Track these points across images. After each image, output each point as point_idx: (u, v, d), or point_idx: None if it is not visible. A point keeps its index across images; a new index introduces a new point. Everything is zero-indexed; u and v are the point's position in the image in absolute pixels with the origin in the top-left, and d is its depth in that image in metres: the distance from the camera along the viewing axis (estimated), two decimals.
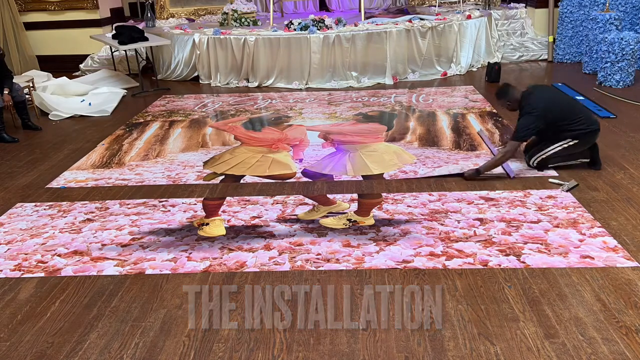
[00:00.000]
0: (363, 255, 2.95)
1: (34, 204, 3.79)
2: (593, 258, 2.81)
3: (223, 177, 4.06)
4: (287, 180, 3.96)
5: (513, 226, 3.18)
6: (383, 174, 4.00)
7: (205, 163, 4.37)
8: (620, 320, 2.33)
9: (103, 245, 3.19)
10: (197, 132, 5.26)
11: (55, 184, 4.11)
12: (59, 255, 3.09)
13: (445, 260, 2.86)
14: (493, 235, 3.09)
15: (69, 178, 4.20)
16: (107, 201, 3.77)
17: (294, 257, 2.95)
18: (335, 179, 3.95)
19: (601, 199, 3.43)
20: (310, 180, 3.96)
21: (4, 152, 4.90)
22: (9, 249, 3.19)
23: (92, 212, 3.62)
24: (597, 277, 2.64)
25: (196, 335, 2.37)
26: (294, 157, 4.39)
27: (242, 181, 3.98)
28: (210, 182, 3.99)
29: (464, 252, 2.93)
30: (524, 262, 2.80)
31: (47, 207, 3.73)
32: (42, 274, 2.91)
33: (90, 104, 6.11)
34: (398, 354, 2.20)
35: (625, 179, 3.71)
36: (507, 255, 2.88)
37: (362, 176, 3.97)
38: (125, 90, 6.80)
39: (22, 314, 2.58)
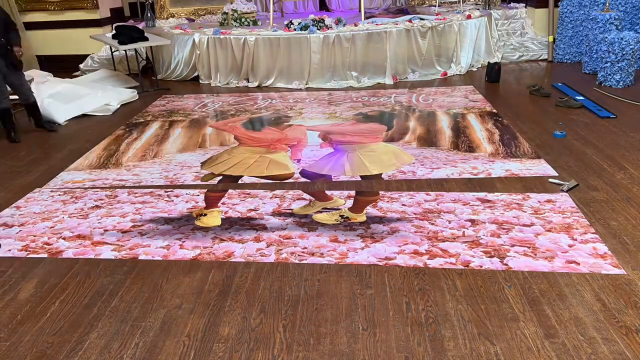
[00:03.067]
0: (347, 250, 2.99)
1: (50, 189, 3.99)
2: (579, 264, 2.76)
3: (221, 177, 4.07)
4: (285, 181, 3.96)
5: (504, 229, 3.14)
6: (381, 174, 4.00)
7: (203, 163, 4.37)
8: (620, 320, 2.33)
9: (105, 230, 3.34)
10: (197, 132, 5.26)
11: (52, 184, 4.10)
12: (64, 239, 3.26)
13: (428, 259, 2.87)
14: (481, 236, 3.07)
15: (66, 179, 4.21)
16: (116, 189, 3.95)
17: (280, 250, 3.03)
18: (333, 179, 3.95)
19: (601, 199, 3.43)
20: (308, 180, 3.96)
21: (4, 152, 4.91)
22: (20, 231, 3.39)
23: (102, 200, 3.79)
24: (598, 277, 2.64)
25: (196, 335, 2.37)
26: (292, 158, 4.39)
27: (239, 182, 3.99)
28: (208, 183, 4.00)
29: (447, 252, 2.93)
30: (506, 265, 2.78)
31: (62, 192, 3.94)
32: (46, 255, 3.07)
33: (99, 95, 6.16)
34: (398, 354, 2.20)
35: (625, 179, 3.71)
36: (490, 257, 2.86)
37: (361, 176, 3.98)
38: (137, 95, 6.69)
39: (22, 314, 2.58)
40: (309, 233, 3.20)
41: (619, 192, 3.51)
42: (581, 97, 5.64)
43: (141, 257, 3.01)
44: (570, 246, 2.94)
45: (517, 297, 2.52)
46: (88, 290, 2.75)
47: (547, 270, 2.73)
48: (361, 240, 3.10)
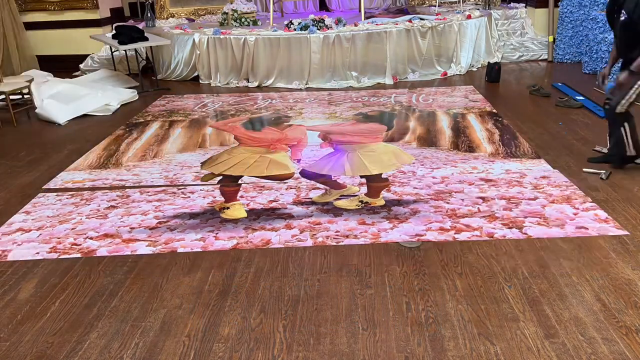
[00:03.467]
0: (378, 231, 3.18)
1: (55, 193, 3.95)
2: (587, 228, 3.08)
3: (221, 177, 4.07)
4: (285, 181, 3.97)
5: (513, 203, 3.44)
6: (381, 174, 4.00)
7: (203, 163, 4.38)
8: (620, 320, 2.33)
9: (132, 228, 3.38)
10: (197, 132, 5.26)
11: (52, 184, 4.11)
12: (91, 238, 3.28)
13: (455, 233, 3.10)
14: (495, 211, 3.34)
15: (66, 179, 4.21)
16: (127, 189, 3.97)
17: (315, 234, 3.18)
18: (333, 179, 3.96)
19: (601, 199, 3.43)
20: (308, 180, 3.96)
21: (4, 152, 4.91)
22: (40, 234, 3.37)
23: (115, 200, 3.80)
24: (597, 277, 2.64)
25: (196, 335, 2.37)
26: (292, 158, 4.39)
27: (240, 181, 3.99)
28: (208, 183, 4.00)
29: (471, 226, 3.18)
30: (525, 234, 3.06)
31: (70, 196, 3.90)
32: (79, 255, 3.09)
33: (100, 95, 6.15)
34: (398, 354, 2.20)
35: (626, 178, 3.71)
36: (510, 228, 3.13)
37: (361, 176, 3.98)
38: (137, 96, 6.69)
39: (22, 314, 2.58)
40: (336, 218, 3.38)
41: (619, 193, 3.51)
42: (581, 97, 5.64)
43: (180, 250, 3.08)
44: (575, 214, 3.26)
45: (517, 297, 2.52)
46: (88, 290, 2.75)
47: (563, 235, 3.02)
48: (388, 221, 3.29)
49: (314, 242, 3.09)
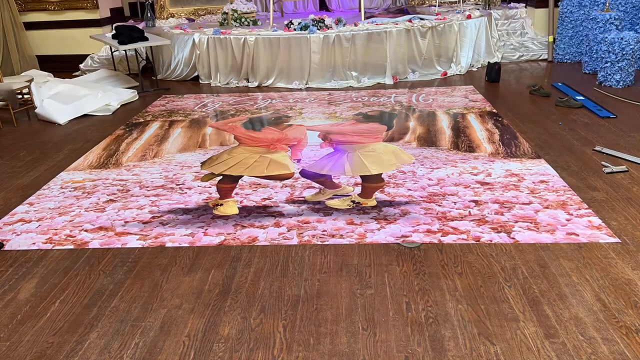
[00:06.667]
0: (365, 231, 3.18)
1: (59, 185, 4.07)
2: (578, 235, 3.03)
3: (221, 177, 4.08)
4: (285, 181, 3.97)
5: (506, 207, 3.40)
6: (382, 174, 4.00)
7: (203, 163, 4.38)
8: (620, 320, 2.33)
9: (126, 222, 3.45)
10: (197, 132, 5.26)
11: (52, 184, 4.11)
12: (86, 231, 3.36)
13: (441, 236, 3.08)
14: (486, 215, 3.31)
15: (66, 179, 4.21)
16: (128, 184, 4.05)
17: (302, 233, 3.19)
18: (333, 180, 3.96)
19: (601, 199, 3.44)
20: (308, 180, 3.96)
21: (4, 152, 4.91)
22: (39, 225, 3.47)
23: (115, 194, 3.89)
24: (597, 277, 2.64)
25: (196, 335, 2.37)
26: (292, 158, 4.39)
27: (240, 181, 3.99)
28: (208, 183, 4.00)
29: (458, 229, 3.16)
30: (513, 238, 3.02)
31: (73, 189, 4.01)
32: (72, 247, 3.17)
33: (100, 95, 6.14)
34: (398, 354, 2.20)
35: (625, 178, 3.71)
36: (498, 232, 3.10)
37: (361, 176, 3.98)
38: (137, 96, 6.69)
39: (22, 314, 2.58)
40: (325, 217, 3.38)
41: (619, 192, 3.51)
42: (581, 97, 5.64)
43: (168, 245, 3.13)
44: (567, 220, 3.21)
45: (517, 297, 2.52)
46: (88, 290, 2.75)
47: (551, 242, 2.97)
48: (376, 222, 3.29)
49: (299, 240, 3.10)
